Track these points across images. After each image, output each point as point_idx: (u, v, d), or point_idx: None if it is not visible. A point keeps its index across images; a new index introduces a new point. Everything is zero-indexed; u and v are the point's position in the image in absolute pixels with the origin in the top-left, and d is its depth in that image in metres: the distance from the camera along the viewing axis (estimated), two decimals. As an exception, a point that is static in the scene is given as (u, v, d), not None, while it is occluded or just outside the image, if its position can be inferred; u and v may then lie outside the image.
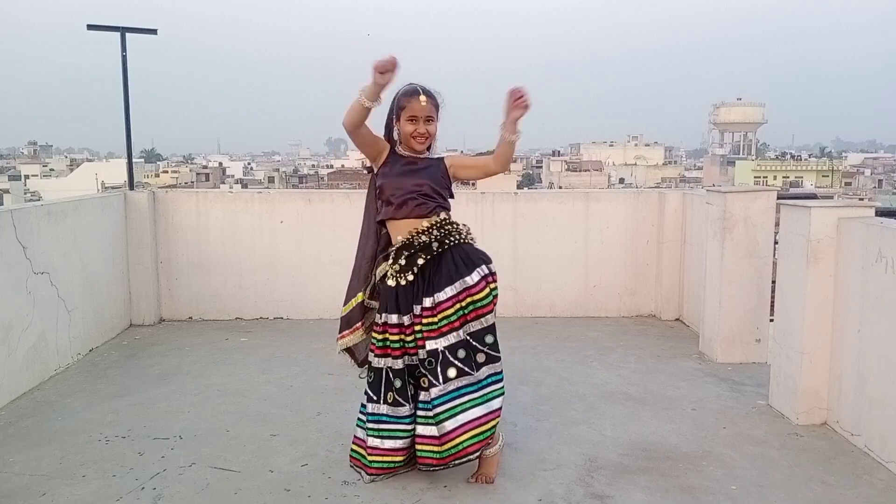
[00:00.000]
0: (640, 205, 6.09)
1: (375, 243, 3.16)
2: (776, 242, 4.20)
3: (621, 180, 63.83)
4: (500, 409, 2.98)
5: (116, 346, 5.25)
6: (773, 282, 4.32)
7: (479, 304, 2.94)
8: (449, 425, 2.90)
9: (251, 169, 76.67)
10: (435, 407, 2.91)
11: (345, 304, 3.29)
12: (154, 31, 6.84)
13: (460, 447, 2.91)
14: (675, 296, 5.95)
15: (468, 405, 2.92)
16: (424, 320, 2.93)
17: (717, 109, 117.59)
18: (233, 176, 65.04)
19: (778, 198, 4.59)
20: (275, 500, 2.95)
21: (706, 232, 4.94)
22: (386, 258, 3.05)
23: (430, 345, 2.92)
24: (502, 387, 3.00)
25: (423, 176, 3.03)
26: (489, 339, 2.97)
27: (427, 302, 2.93)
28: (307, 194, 6.20)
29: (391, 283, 2.98)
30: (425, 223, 2.98)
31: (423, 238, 2.95)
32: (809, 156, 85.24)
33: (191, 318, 5.97)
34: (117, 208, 5.64)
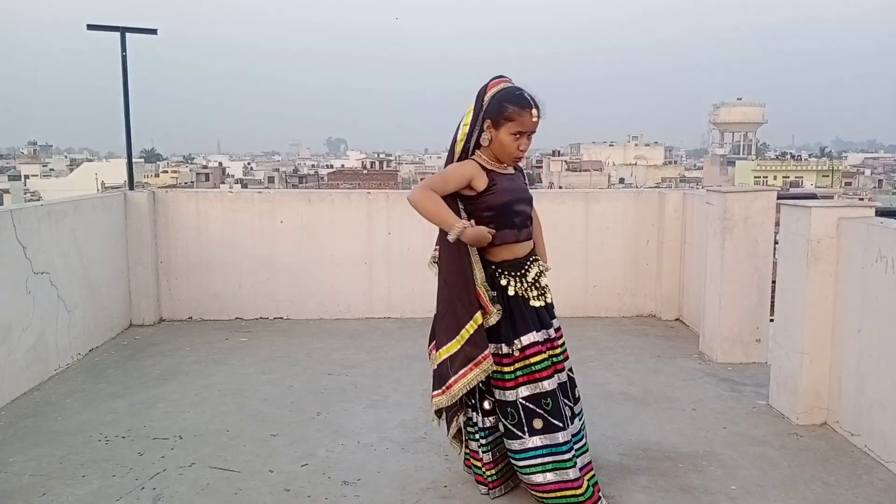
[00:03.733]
0: (640, 205, 6.09)
1: (471, 266, 2.74)
2: (776, 242, 4.20)
3: (621, 180, 63.81)
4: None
5: (116, 346, 5.25)
6: (773, 282, 4.31)
7: (564, 347, 2.93)
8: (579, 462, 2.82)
9: (251, 169, 76.65)
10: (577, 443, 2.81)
11: (441, 346, 2.77)
12: (154, 31, 6.83)
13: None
14: (675, 296, 5.95)
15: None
16: (559, 342, 2.85)
17: (717, 109, 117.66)
18: (233, 176, 65.03)
19: (778, 198, 4.59)
20: (275, 500, 2.95)
21: (706, 232, 4.94)
22: (512, 274, 2.76)
23: (562, 376, 2.82)
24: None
25: (527, 191, 2.87)
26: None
27: (556, 323, 2.88)
28: (307, 194, 6.20)
29: (534, 303, 2.78)
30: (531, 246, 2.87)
31: (542, 272, 2.88)
32: (809, 156, 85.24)
33: (191, 318, 5.97)
34: (117, 208, 5.63)
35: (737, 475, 3.15)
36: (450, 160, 2.80)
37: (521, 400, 2.68)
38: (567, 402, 2.80)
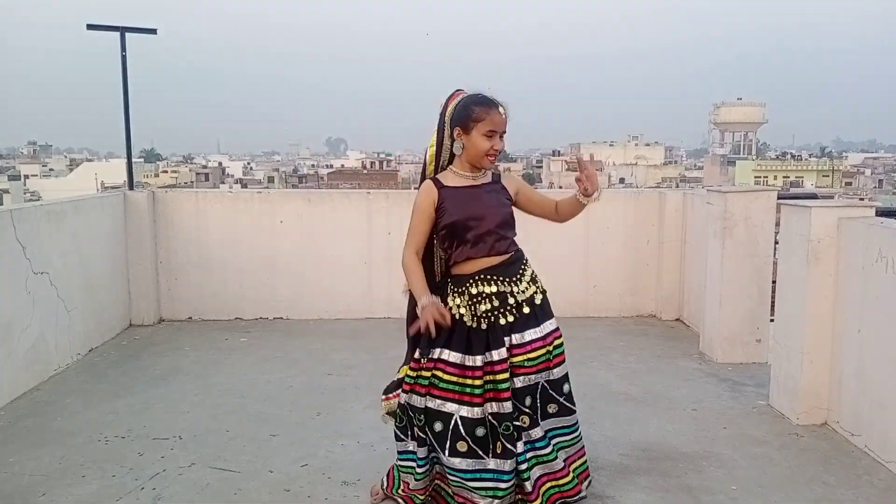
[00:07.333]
0: (640, 205, 6.09)
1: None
2: (776, 242, 4.20)
3: (622, 180, 63.84)
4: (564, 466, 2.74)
5: (116, 346, 5.25)
6: (774, 282, 4.31)
7: (559, 351, 2.74)
8: (528, 485, 2.67)
9: (251, 169, 76.68)
10: (521, 462, 2.65)
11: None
12: (154, 31, 6.83)
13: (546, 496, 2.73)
14: (675, 296, 5.95)
15: (541, 459, 2.70)
16: (516, 359, 2.65)
17: (717, 109, 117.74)
18: (232, 176, 65.07)
19: (778, 198, 4.60)
20: (274, 500, 2.95)
21: (707, 232, 4.93)
22: (454, 289, 2.71)
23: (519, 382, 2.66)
24: (575, 437, 2.78)
25: (493, 203, 2.70)
26: (566, 387, 2.75)
27: (516, 339, 2.66)
28: (307, 194, 6.20)
29: (474, 324, 2.65)
30: (505, 253, 2.71)
31: (518, 287, 2.69)
32: (810, 156, 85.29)
33: (190, 318, 5.97)
34: (117, 208, 5.63)
35: (737, 475, 3.15)
36: (422, 180, 2.82)
37: (414, 405, 2.67)
38: (505, 429, 2.62)
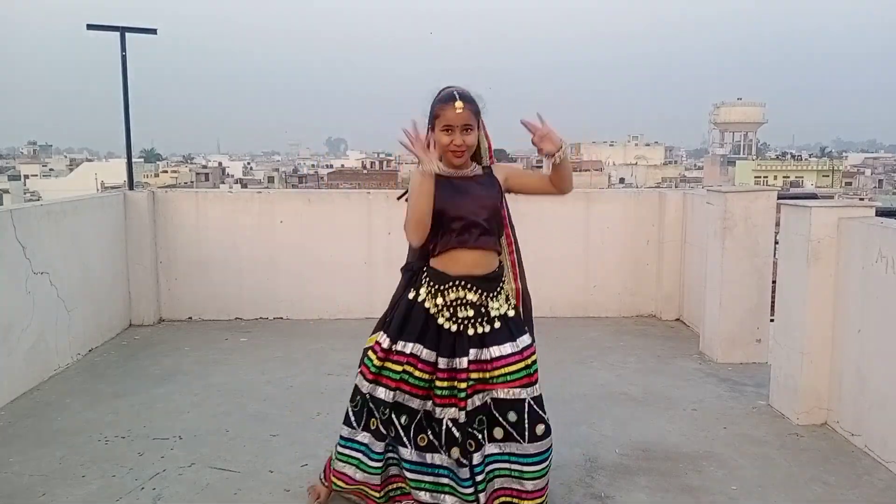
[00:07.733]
0: (640, 205, 6.09)
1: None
2: (776, 242, 4.20)
3: (621, 180, 63.81)
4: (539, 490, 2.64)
5: (116, 346, 5.25)
6: (774, 282, 4.32)
7: (535, 367, 2.67)
8: (482, 497, 2.62)
9: (251, 169, 76.67)
10: (478, 474, 2.61)
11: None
12: (154, 31, 6.83)
13: None
14: (675, 296, 5.95)
15: (503, 472, 2.64)
16: (497, 372, 2.61)
17: (717, 109, 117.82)
18: (232, 176, 65.05)
19: (778, 198, 4.60)
20: (274, 500, 2.95)
21: (706, 232, 4.93)
22: (431, 284, 2.68)
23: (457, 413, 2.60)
24: (545, 467, 2.65)
25: (480, 195, 2.68)
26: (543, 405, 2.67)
27: (495, 351, 2.61)
28: (307, 194, 6.20)
29: (444, 324, 2.63)
30: (489, 263, 2.68)
31: (493, 304, 2.65)
32: (810, 156, 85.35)
33: (191, 318, 5.97)
34: (117, 208, 5.63)
35: (737, 475, 3.15)
36: None
37: (379, 397, 2.68)
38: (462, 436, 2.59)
